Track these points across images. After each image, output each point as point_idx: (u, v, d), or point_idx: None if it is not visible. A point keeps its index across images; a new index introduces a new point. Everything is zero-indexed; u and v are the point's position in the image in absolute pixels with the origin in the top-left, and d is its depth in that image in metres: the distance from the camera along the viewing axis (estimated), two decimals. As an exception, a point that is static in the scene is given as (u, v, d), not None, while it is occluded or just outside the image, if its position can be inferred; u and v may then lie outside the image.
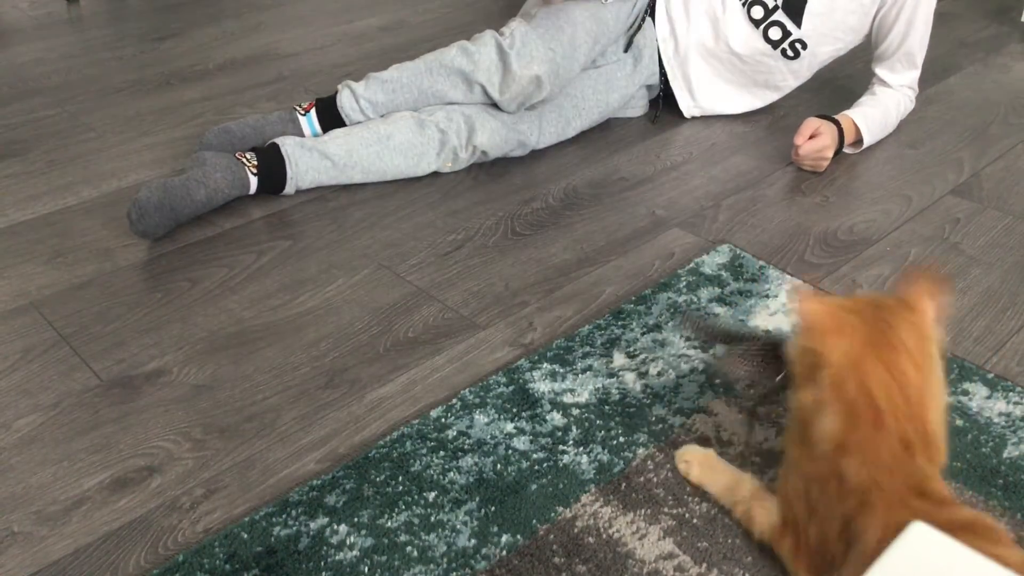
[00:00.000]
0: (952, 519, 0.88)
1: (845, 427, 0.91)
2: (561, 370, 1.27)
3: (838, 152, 1.84)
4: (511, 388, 1.24)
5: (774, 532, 1.02)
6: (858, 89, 2.02)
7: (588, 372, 1.27)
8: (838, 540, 0.91)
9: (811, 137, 1.78)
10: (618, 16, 1.84)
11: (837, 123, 1.82)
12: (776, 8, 1.86)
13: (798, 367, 0.97)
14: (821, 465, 0.93)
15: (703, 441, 1.16)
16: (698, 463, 1.11)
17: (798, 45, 1.89)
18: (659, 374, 1.27)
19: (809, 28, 1.87)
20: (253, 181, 1.64)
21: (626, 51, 1.92)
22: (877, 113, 1.89)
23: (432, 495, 1.08)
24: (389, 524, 1.04)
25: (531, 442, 1.15)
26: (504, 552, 1.01)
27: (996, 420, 1.20)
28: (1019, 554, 0.85)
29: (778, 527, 1.01)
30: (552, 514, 1.06)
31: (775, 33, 1.88)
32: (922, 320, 0.93)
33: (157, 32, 2.53)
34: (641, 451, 1.14)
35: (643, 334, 1.35)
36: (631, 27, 1.92)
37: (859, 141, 1.87)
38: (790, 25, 1.87)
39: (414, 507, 1.06)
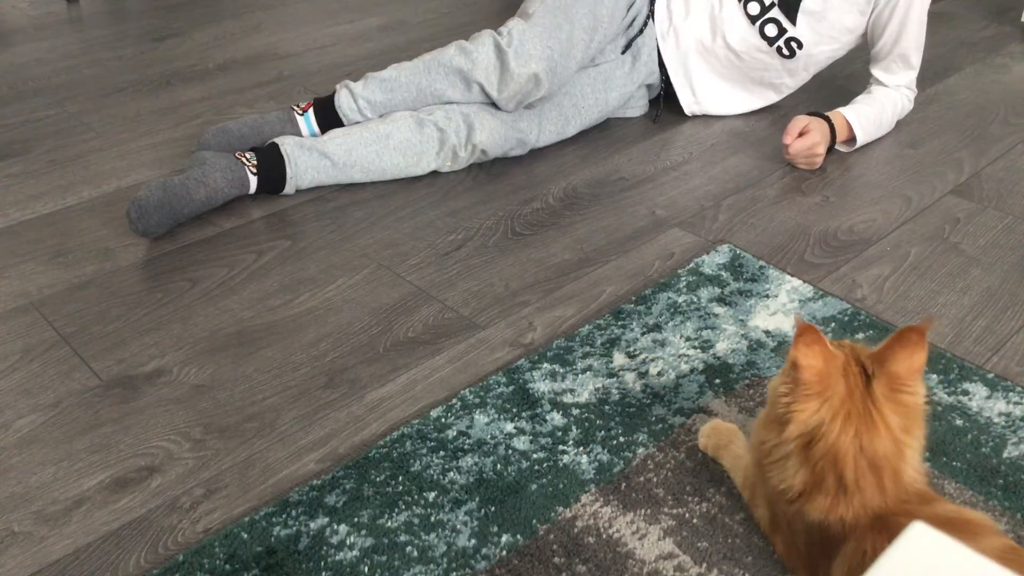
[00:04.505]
0: (938, 514, 0.88)
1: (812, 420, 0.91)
2: (561, 370, 1.27)
3: (832, 149, 1.84)
4: (511, 388, 1.24)
5: (766, 528, 1.02)
6: (857, 89, 2.02)
7: (588, 372, 1.27)
8: (816, 543, 0.91)
9: (800, 135, 1.78)
10: (614, 13, 1.84)
11: (828, 120, 1.82)
12: (772, 5, 1.86)
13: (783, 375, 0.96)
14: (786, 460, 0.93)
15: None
16: (714, 441, 1.12)
17: (793, 44, 1.89)
18: (659, 374, 1.27)
19: (804, 26, 1.87)
20: (253, 181, 1.64)
21: (624, 53, 1.92)
22: (871, 110, 1.88)
23: (432, 495, 1.08)
24: (389, 524, 1.04)
25: (531, 442, 1.15)
26: (504, 552, 1.01)
27: (996, 420, 1.20)
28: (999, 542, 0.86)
29: (768, 524, 1.01)
30: (552, 514, 1.06)
31: (771, 30, 1.88)
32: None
33: (157, 32, 2.53)
34: (641, 451, 1.14)
35: (643, 334, 1.35)
36: (630, 28, 1.92)
37: (853, 139, 1.87)
38: (785, 22, 1.87)
39: (414, 507, 1.06)
